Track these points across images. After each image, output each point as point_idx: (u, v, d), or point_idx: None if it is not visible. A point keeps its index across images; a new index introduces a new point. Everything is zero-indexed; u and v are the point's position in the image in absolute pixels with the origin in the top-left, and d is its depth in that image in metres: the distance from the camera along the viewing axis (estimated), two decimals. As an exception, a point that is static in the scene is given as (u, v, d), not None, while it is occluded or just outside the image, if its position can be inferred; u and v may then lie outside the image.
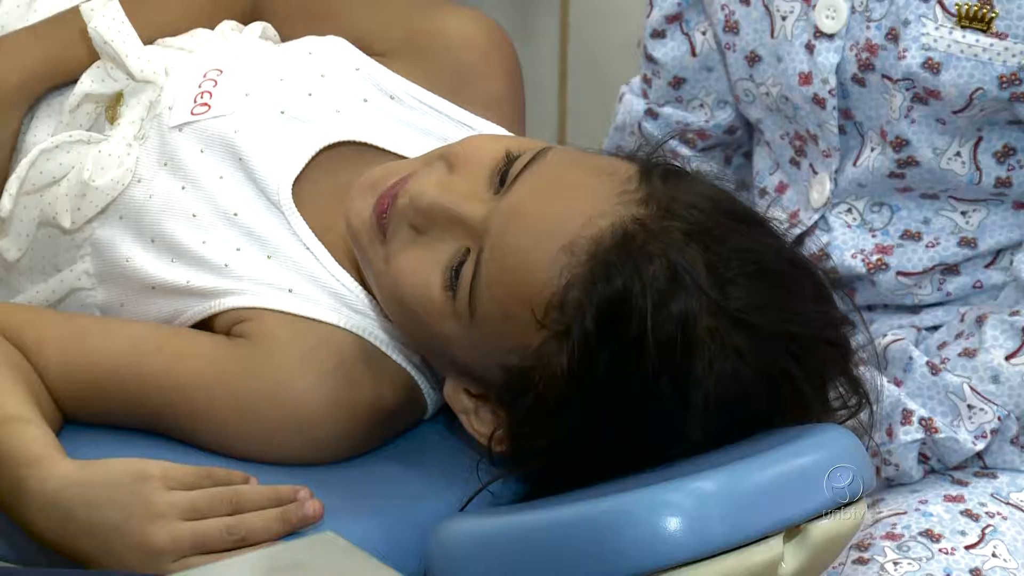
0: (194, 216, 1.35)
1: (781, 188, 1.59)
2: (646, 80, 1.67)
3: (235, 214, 1.35)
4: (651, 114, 1.66)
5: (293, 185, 1.36)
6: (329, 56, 1.44)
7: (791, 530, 1.12)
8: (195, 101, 1.39)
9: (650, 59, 1.65)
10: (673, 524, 1.08)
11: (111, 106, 1.41)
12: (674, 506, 1.09)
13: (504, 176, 1.22)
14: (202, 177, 1.37)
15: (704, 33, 1.62)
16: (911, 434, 1.42)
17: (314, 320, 1.32)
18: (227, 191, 1.36)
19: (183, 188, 1.37)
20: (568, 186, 1.20)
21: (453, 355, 1.25)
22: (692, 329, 1.14)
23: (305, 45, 1.46)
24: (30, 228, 1.39)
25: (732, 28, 1.55)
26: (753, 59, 1.53)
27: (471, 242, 1.21)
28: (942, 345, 1.47)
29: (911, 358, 1.45)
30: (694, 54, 1.62)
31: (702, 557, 1.09)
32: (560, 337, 1.16)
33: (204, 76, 1.41)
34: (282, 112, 1.39)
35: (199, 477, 1.21)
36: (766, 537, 1.11)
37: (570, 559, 1.10)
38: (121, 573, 1.17)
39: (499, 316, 1.19)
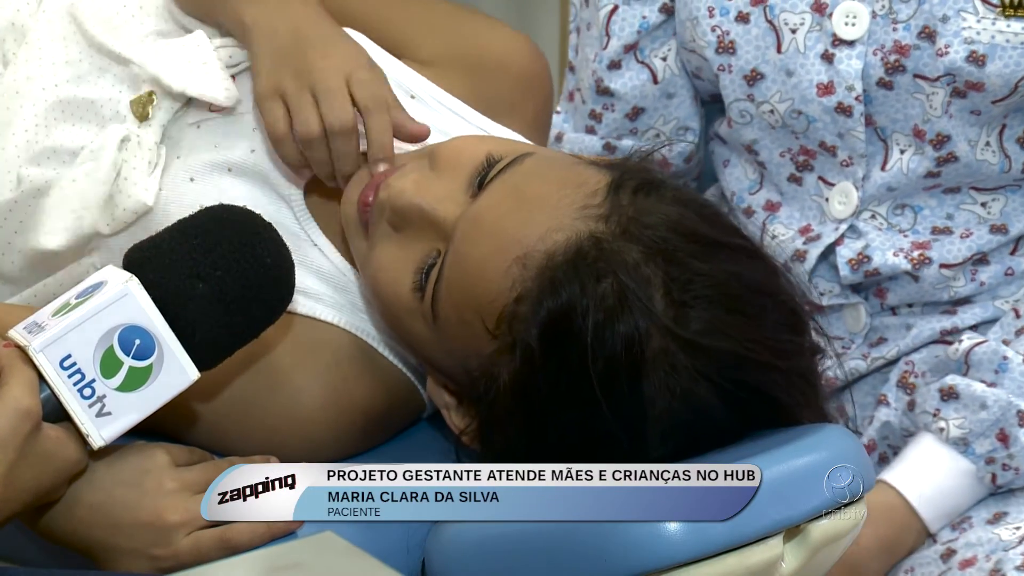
0: (200, 207, 1.35)
1: (771, 206, 1.58)
2: (594, 116, 1.64)
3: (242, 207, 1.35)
4: (609, 148, 1.64)
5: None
6: None
7: (791, 530, 1.12)
8: None
9: (604, 92, 1.62)
10: (673, 524, 1.08)
11: (140, 102, 1.41)
12: (674, 506, 1.09)
13: (483, 180, 1.22)
14: (211, 170, 1.37)
15: (664, 59, 1.60)
16: None
17: (312, 318, 1.33)
18: (235, 183, 1.36)
19: (191, 180, 1.37)
20: (532, 197, 1.19)
21: (426, 354, 1.25)
22: (640, 350, 1.13)
23: None
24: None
25: (727, 49, 1.53)
26: (754, 77, 1.52)
27: (442, 244, 1.21)
28: (1005, 343, 1.46)
29: (1006, 358, 1.43)
30: (656, 81, 1.61)
31: (702, 557, 1.09)
32: (507, 350, 1.16)
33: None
34: None
35: (195, 454, 1.23)
36: (766, 537, 1.11)
37: (570, 559, 1.10)
38: (122, 574, 1.18)
39: (456, 321, 1.19)
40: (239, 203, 1.34)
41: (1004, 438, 1.42)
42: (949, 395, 1.44)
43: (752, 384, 1.17)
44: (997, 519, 1.42)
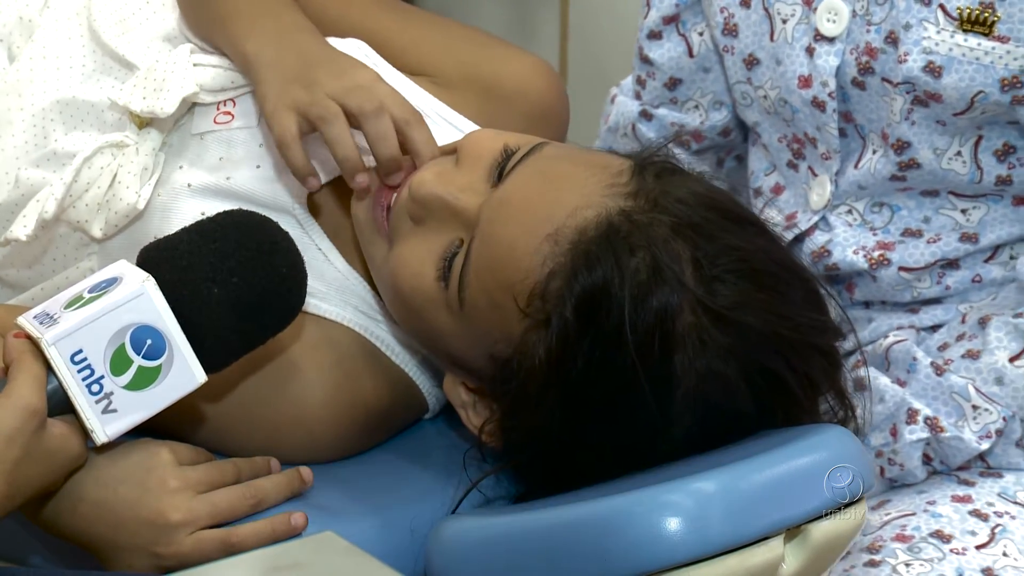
0: (202, 214, 1.35)
1: (778, 189, 1.59)
2: (640, 82, 1.66)
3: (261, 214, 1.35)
4: (645, 115, 1.66)
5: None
6: None
7: (792, 530, 1.12)
8: (218, 109, 1.39)
9: (645, 60, 1.65)
10: (673, 524, 1.08)
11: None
12: (674, 506, 1.08)
13: (503, 170, 1.23)
14: (213, 179, 1.37)
15: (701, 34, 1.62)
16: (916, 433, 1.42)
17: (316, 316, 1.33)
18: (236, 193, 1.36)
19: (188, 185, 1.37)
20: (557, 177, 1.21)
21: (448, 347, 1.25)
22: (672, 324, 1.14)
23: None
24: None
25: (731, 31, 1.55)
26: (752, 62, 1.54)
27: (465, 233, 1.22)
28: (943, 346, 1.47)
29: (915, 359, 1.45)
30: (691, 55, 1.63)
31: (703, 557, 1.09)
32: (541, 327, 1.16)
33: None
34: None
35: (200, 453, 1.24)
36: (767, 538, 1.11)
37: (570, 559, 1.10)
38: (123, 574, 1.18)
39: (486, 305, 1.20)
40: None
41: (895, 433, 1.43)
42: (859, 387, 1.46)
43: (775, 371, 1.18)
44: (880, 506, 1.44)
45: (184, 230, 1.17)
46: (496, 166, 1.23)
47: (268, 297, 1.16)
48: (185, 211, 1.36)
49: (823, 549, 1.14)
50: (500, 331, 1.19)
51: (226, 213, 1.18)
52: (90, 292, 1.12)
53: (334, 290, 1.35)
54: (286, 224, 1.32)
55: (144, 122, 1.38)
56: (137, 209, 1.35)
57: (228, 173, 1.37)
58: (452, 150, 1.28)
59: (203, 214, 1.35)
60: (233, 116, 1.39)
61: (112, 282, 1.12)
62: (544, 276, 1.16)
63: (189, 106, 1.39)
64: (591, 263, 1.15)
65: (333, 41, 1.42)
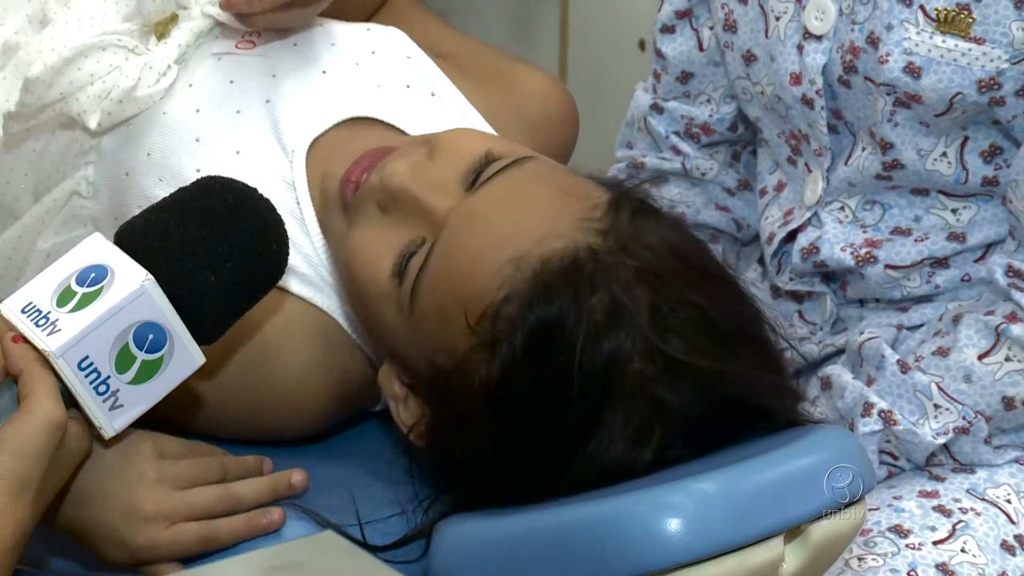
0: (197, 141, 1.35)
1: (780, 187, 1.60)
2: (656, 76, 1.67)
3: (237, 152, 1.35)
4: (656, 109, 1.67)
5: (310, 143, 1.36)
6: (384, 37, 1.44)
7: (792, 531, 1.12)
8: (242, 36, 1.41)
9: (659, 54, 1.66)
10: (674, 525, 1.08)
11: (163, 23, 1.41)
12: (675, 507, 1.09)
13: (479, 175, 1.21)
14: (219, 105, 1.37)
15: (711, 28, 1.62)
16: (870, 425, 1.42)
17: (284, 291, 1.32)
18: (239, 126, 1.36)
19: (197, 111, 1.37)
20: (532, 200, 1.19)
21: (391, 341, 1.24)
22: (619, 369, 1.13)
23: (364, 24, 1.47)
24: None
25: (731, 27, 1.55)
26: (749, 58, 1.54)
27: (428, 233, 1.20)
28: (922, 344, 1.47)
29: (883, 356, 1.45)
30: (701, 49, 1.63)
31: (703, 558, 1.09)
32: (486, 348, 1.15)
33: None
34: (324, 72, 1.40)
35: (187, 448, 1.23)
36: (767, 538, 1.11)
37: (571, 560, 1.10)
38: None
39: (435, 313, 1.18)
40: (234, 144, 1.35)
41: (852, 427, 1.43)
42: (825, 384, 1.46)
43: (706, 433, 1.16)
44: None
45: (168, 210, 1.16)
46: (473, 169, 1.21)
47: (263, 277, 1.16)
48: (186, 133, 1.35)
49: (823, 549, 1.14)
50: (444, 342, 1.18)
51: (206, 186, 1.17)
52: (78, 284, 1.12)
53: (300, 257, 1.33)
54: (280, 167, 1.31)
55: (164, 32, 1.38)
56: (134, 97, 1.34)
57: (236, 103, 1.37)
58: (426, 140, 1.26)
59: (197, 140, 1.35)
60: (255, 44, 1.40)
61: (101, 272, 1.12)
62: (500, 299, 1.15)
63: (213, 25, 1.40)
64: (550, 295, 1.13)
65: (373, 24, 1.46)
